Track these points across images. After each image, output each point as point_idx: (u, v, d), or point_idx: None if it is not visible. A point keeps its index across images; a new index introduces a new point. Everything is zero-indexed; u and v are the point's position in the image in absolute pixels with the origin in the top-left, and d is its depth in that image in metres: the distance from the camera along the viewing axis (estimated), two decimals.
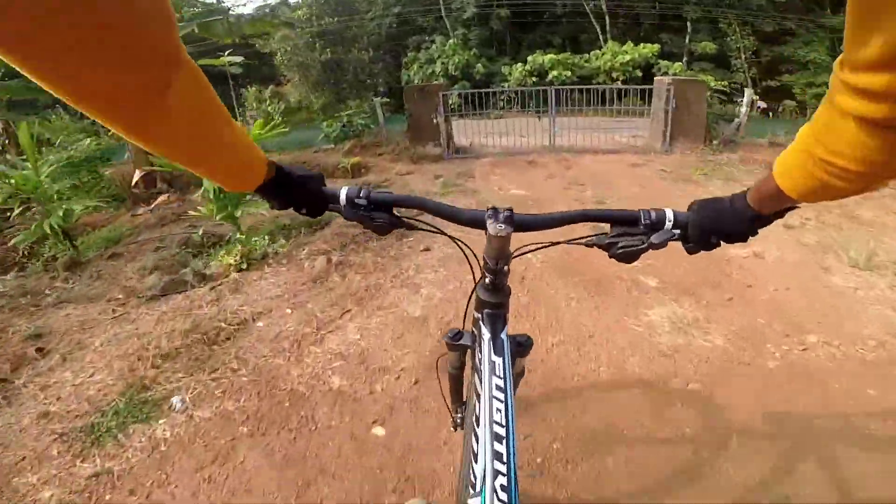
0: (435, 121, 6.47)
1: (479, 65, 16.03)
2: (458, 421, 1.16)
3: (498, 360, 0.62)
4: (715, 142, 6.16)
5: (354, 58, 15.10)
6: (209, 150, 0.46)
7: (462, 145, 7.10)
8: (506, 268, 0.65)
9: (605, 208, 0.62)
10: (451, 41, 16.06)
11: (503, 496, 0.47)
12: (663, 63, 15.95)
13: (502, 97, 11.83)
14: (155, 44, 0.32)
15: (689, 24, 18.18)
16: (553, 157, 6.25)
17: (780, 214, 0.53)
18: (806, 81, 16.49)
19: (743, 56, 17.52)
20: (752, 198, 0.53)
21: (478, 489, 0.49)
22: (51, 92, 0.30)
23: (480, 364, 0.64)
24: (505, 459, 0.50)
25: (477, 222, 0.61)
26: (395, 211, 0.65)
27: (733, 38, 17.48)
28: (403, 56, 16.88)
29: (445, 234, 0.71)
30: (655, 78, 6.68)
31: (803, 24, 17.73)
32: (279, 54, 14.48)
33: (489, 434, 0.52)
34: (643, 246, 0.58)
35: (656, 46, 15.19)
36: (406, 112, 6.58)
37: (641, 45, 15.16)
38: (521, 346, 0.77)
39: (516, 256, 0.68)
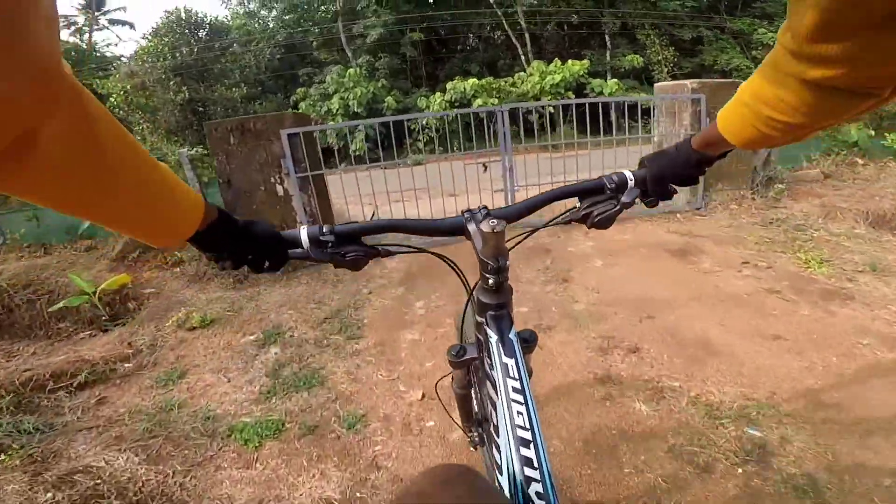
0: (280, 188, 3.27)
1: (390, 98, 13.19)
2: (477, 439, 1.06)
3: (510, 362, 0.58)
4: (778, 185, 3.58)
5: (222, 96, 11.67)
6: (110, 199, 0.35)
7: None
8: (507, 263, 0.60)
9: (569, 184, 0.64)
10: (351, 70, 13.04)
11: None
12: (595, 82, 14.39)
13: (419, 137, 8.97)
14: (28, 51, 0.21)
15: (608, 38, 17.13)
16: (522, 249, 3.29)
17: (723, 156, 0.58)
18: None
19: (665, 69, 16.64)
20: (697, 143, 0.57)
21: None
22: None
23: (492, 370, 0.60)
24: (536, 464, 0.46)
25: (457, 229, 0.60)
26: (364, 240, 0.61)
27: (653, 49, 16.58)
28: (293, 93, 13.59)
29: (428, 252, 0.68)
30: (656, 86, 4.10)
31: (712, 31, 17.36)
32: (115, 95, 10.66)
33: (513, 440, 0.48)
34: (616, 208, 0.60)
35: (586, 62, 13.47)
36: (218, 175, 3.22)
37: (570, 61, 13.34)
38: (527, 343, 0.71)
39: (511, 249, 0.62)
